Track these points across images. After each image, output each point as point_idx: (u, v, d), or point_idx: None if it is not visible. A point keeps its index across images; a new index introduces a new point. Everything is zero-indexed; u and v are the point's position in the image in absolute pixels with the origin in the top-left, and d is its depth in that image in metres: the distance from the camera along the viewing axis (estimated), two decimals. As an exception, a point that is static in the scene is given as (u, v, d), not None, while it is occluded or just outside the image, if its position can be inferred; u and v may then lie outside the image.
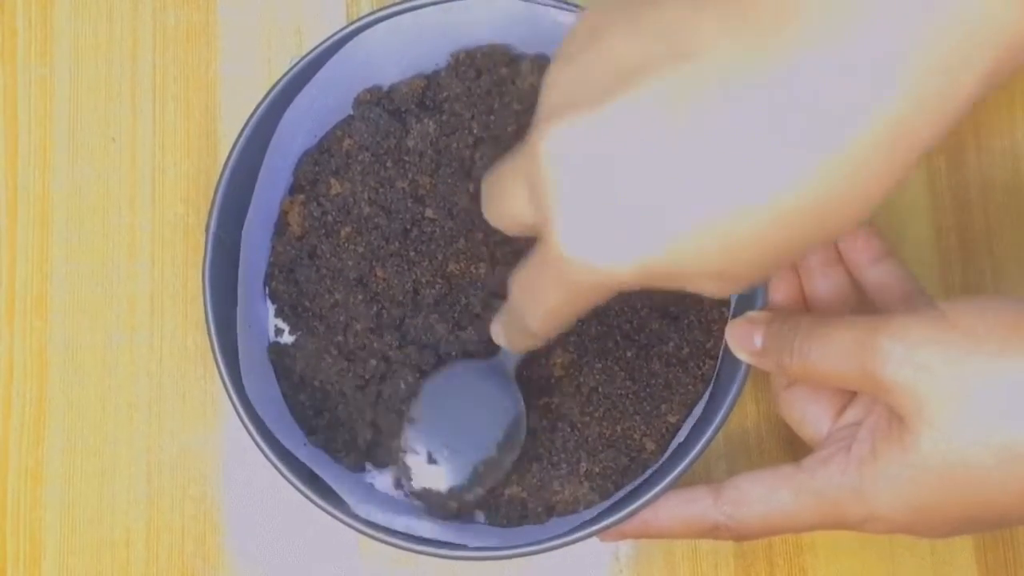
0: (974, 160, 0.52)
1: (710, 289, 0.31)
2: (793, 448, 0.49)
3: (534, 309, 0.35)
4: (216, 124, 0.53)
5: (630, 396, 0.46)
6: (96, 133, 0.53)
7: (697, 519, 0.42)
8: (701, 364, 0.46)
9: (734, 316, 0.45)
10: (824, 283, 0.44)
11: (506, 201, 0.33)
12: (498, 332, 0.41)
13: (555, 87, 0.31)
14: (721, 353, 0.46)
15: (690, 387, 0.46)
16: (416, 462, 0.45)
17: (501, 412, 0.45)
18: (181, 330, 0.51)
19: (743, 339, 0.42)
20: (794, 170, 0.28)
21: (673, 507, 0.42)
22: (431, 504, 0.45)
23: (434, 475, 0.45)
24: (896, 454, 0.36)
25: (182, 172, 0.52)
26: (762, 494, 0.40)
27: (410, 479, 0.45)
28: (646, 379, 0.46)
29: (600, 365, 0.46)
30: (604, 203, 0.29)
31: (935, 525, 0.37)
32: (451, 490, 0.45)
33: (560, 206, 0.30)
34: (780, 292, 0.45)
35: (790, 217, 0.28)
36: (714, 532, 0.42)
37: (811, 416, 0.42)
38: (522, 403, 0.45)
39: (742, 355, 0.42)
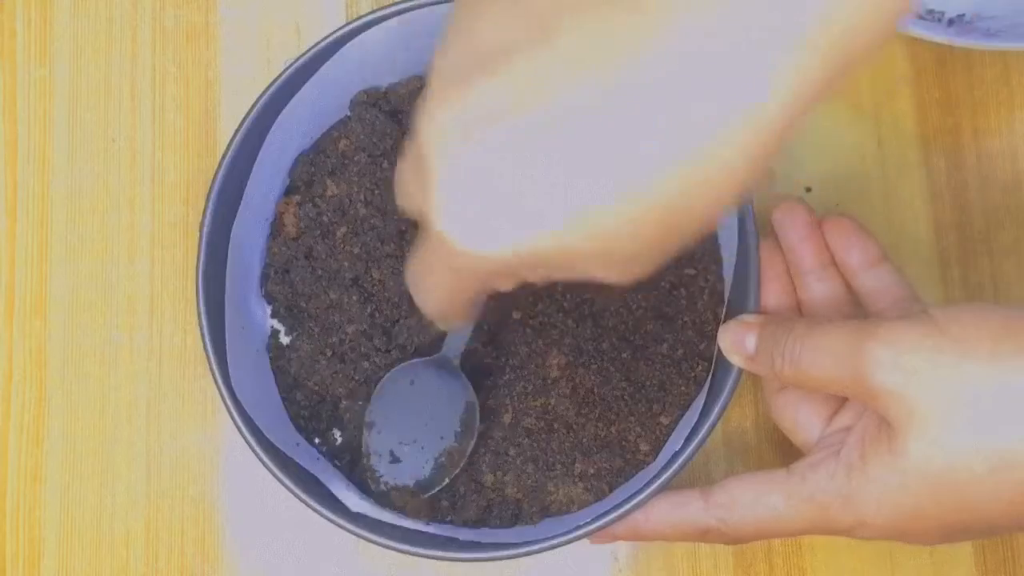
0: (973, 160, 0.52)
1: (600, 275, 0.30)
2: (792, 449, 0.49)
3: (426, 298, 0.35)
4: (216, 124, 0.53)
5: (625, 398, 0.46)
6: (96, 133, 0.53)
7: (688, 523, 0.42)
8: (694, 366, 0.46)
9: (726, 320, 0.46)
10: (818, 287, 0.44)
11: (402, 186, 0.33)
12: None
13: (436, 72, 0.30)
14: (715, 355, 0.46)
15: (683, 388, 0.46)
16: (380, 463, 0.46)
17: (453, 402, 0.46)
18: (181, 330, 0.51)
19: (736, 343, 0.42)
20: (656, 169, 0.27)
21: (663, 511, 0.42)
22: (400, 501, 0.46)
23: (399, 472, 0.46)
24: (885, 460, 0.36)
25: (182, 172, 0.52)
26: (752, 498, 0.40)
27: (377, 480, 0.46)
28: (641, 381, 0.46)
29: (596, 366, 0.46)
30: (478, 190, 0.28)
31: (924, 532, 0.37)
32: (417, 483, 0.46)
33: (438, 190, 0.29)
34: (772, 296, 0.45)
35: (659, 209, 0.27)
36: (705, 535, 0.42)
37: (802, 420, 0.42)
38: (471, 390, 0.46)
39: (735, 358, 0.42)
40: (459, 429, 0.46)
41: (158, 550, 0.49)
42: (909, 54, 0.53)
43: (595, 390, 0.46)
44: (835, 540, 0.49)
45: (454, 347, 0.46)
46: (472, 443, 0.46)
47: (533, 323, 0.47)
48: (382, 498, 0.46)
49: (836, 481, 0.38)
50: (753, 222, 0.45)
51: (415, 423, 0.46)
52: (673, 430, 0.46)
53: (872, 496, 0.37)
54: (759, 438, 0.50)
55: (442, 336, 0.47)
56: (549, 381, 0.46)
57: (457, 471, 0.46)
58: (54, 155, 0.52)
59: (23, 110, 0.53)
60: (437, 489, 0.46)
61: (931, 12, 0.51)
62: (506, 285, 0.32)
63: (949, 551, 0.49)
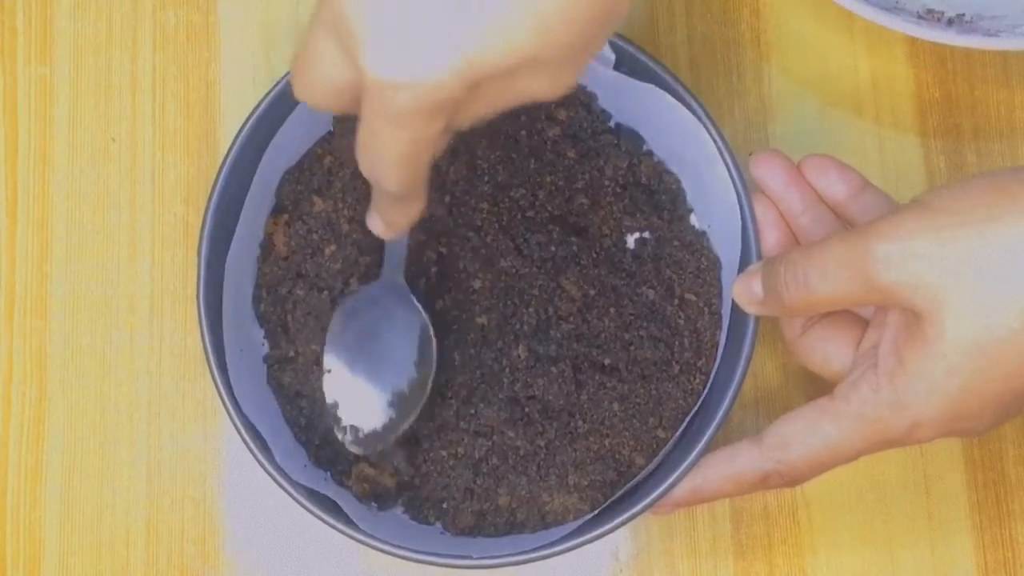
0: (973, 160, 0.52)
1: (537, 86, 0.31)
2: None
3: (383, 166, 0.34)
4: (216, 124, 0.53)
5: (618, 415, 0.46)
6: (96, 133, 0.53)
7: (746, 472, 0.41)
8: (692, 379, 0.46)
9: (730, 324, 0.46)
10: (815, 227, 0.44)
11: (318, 65, 0.33)
12: (375, 222, 0.40)
13: None
14: (715, 366, 0.46)
15: (681, 402, 0.46)
16: (343, 410, 0.44)
17: (408, 329, 0.44)
18: (181, 330, 0.51)
19: (745, 292, 0.42)
20: None
21: (720, 466, 0.42)
22: (368, 446, 0.44)
23: (362, 416, 0.44)
24: (922, 353, 0.36)
25: (182, 172, 0.52)
26: (803, 431, 0.40)
27: (344, 431, 0.44)
28: (635, 401, 0.46)
29: (590, 383, 0.46)
30: (409, 13, 0.29)
31: (980, 412, 0.37)
32: (384, 427, 0.44)
33: (366, 32, 0.30)
34: (772, 239, 0.45)
35: None
36: (765, 483, 0.41)
37: (832, 353, 0.42)
38: (424, 313, 0.44)
39: (748, 308, 0.42)
40: (416, 358, 0.44)
41: (158, 550, 0.49)
42: (909, 54, 0.53)
43: (589, 411, 0.46)
44: (836, 539, 0.49)
45: (394, 261, 0.44)
46: (432, 372, 0.44)
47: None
48: (357, 449, 0.44)
49: (881, 392, 0.38)
50: (748, 194, 0.45)
51: (374, 360, 0.44)
52: (668, 442, 0.46)
53: (920, 392, 0.37)
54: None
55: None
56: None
57: (420, 407, 0.44)
58: (54, 155, 0.52)
59: (24, 109, 0.53)
60: (403, 429, 0.44)
61: (931, 12, 0.51)
62: (453, 123, 0.33)
63: (949, 551, 0.49)
